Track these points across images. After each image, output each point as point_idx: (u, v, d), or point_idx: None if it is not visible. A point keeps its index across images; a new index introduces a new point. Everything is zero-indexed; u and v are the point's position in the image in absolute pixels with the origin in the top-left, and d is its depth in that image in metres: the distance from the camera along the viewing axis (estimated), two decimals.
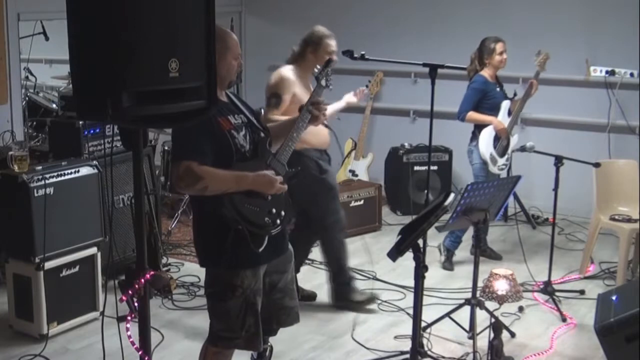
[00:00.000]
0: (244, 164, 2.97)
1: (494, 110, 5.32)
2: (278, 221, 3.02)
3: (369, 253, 5.43)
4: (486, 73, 5.33)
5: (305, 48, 4.48)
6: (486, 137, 5.30)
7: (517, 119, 5.33)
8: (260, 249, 2.95)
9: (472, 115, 5.30)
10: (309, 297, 4.82)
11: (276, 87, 4.39)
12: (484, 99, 5.31)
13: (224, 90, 3.07)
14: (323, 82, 3.52)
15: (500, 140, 5.30)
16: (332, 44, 4.46)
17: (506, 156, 5.37)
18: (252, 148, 3.05)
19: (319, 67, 3.61)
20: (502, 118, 5.32)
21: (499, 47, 5.27)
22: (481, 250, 5.46)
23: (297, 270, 4.74)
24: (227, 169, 2.92)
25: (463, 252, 5.49)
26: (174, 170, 2.90)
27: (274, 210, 3.01)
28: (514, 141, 5.39)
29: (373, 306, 4.69)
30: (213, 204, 2.91)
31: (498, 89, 5.39)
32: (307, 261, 5.16)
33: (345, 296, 4.69)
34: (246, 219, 2.92)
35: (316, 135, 4.39)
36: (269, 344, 3.45)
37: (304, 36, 4.52)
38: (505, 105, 5.33)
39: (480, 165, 5.32)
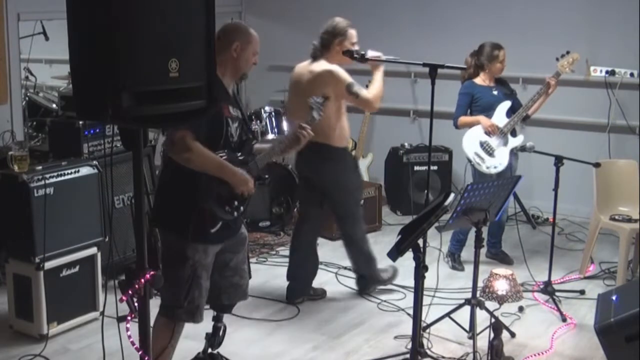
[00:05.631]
0: (228, 154, 3.22)
1: (486, 112, 5.25)
2: (236, 213, 3.30)
3: None
4: (479, 78, 5.30)
5: (332, 40, 4.52)
6: (469, 136, 5.27)
7: (518, 119, 5.23)
8: (213, 230, 3.19)
9: (462, 119, 5.29)
10: (319, 294, 4.90)
11: (341, 77, 4.50)
12: (472, 103, 5.28)
13: (233, 83, 3.39)
14: (315, 115, 3.79)
15: (491, 140, 5.20)
16: (355, 33, 4.58)
17: (502, 155, 5.22)
18: (239, 143, 3.31)
19: (316, 99, 3.84)
20: (498, 118, 5.23)
21: (501, 55, 5.21)
22: (494, 253, 5.52)
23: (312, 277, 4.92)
24: (212, 151, 3.16)
25: (464, 251, 5.48)
26: (170, 135, 3.13)
27: (235, 203, 3.27)
28: (516, 141, 5.26)
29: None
30: (193, 178, 3.13)
31: (495, 92, 5.29)
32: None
33: (371, 282, 4.91)
34: (212, 201, 3.17)
35: (348, 133, 4.72)
36: (223, 323, 3.54)
37: (327, 28, 4.55)
38: (503, 106, 5.25)
39: (472, 165, 5.30)
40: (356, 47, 4.52)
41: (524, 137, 5.31)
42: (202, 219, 3.16)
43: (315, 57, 4.57)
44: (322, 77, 4.48)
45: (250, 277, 3.58)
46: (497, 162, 5.22)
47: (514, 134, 5.31)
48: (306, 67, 4.60)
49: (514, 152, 5.30)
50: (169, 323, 3.29)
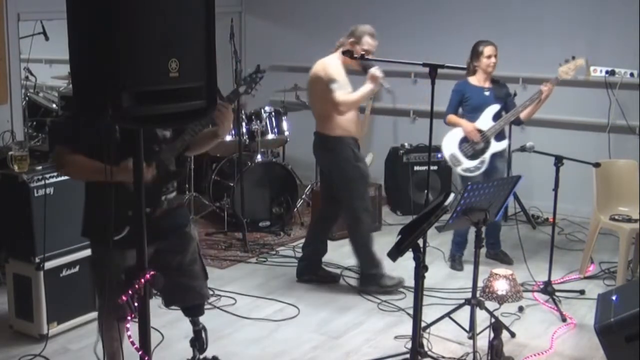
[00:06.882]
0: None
1: (475, 113, 5.25)
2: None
3: None
4: (474, 78, 5.28)
5: (345, 40, 4.72)
6: (449, 137, 5.29)
7: (504, 124, 5.21)
8: (117, 237, 3.02)
9: (450, 118, 5.32)
10: (332, 279, 5.12)
11: (327, 70, 4.67)
12: (462, 102, 5.30)
13: None
14: (242, 89, 3.45)
15: (471, 143, 5.21)
16: (372, 42, 4.69)
17: (480, 159, 5.19)
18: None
19: (249, 70, 3.57)
20: (483, 121, 5.21)
21: (487, 50, 5.17)
22: (493, 253, 5.53)
23: (319, 259, 5.16)
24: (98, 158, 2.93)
25: (464, 252, 5.48)
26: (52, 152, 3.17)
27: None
28: (499, 146, 5.22)
29: (402, 289, 4.88)
30: (94, 187, 3.12)
31: (487, 93, 5.26)
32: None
33: (373, 283, 4.87)
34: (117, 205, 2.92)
35: (353, 123, 4.79)
36: (201, 324, 3.53)
37: (352, 28, 4.75)
38: (491, 109, 5.22)
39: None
40: (367, 55, 4.57)
41: (508, 142, 5.31)
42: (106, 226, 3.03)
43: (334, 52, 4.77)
44: (315, 68, 4.76)
45: (207, 278, 3.47)
46: (474, 165, 5.22)
47: (498, 138, 5.24)
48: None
49: (498, 155, 5.27)
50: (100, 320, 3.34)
